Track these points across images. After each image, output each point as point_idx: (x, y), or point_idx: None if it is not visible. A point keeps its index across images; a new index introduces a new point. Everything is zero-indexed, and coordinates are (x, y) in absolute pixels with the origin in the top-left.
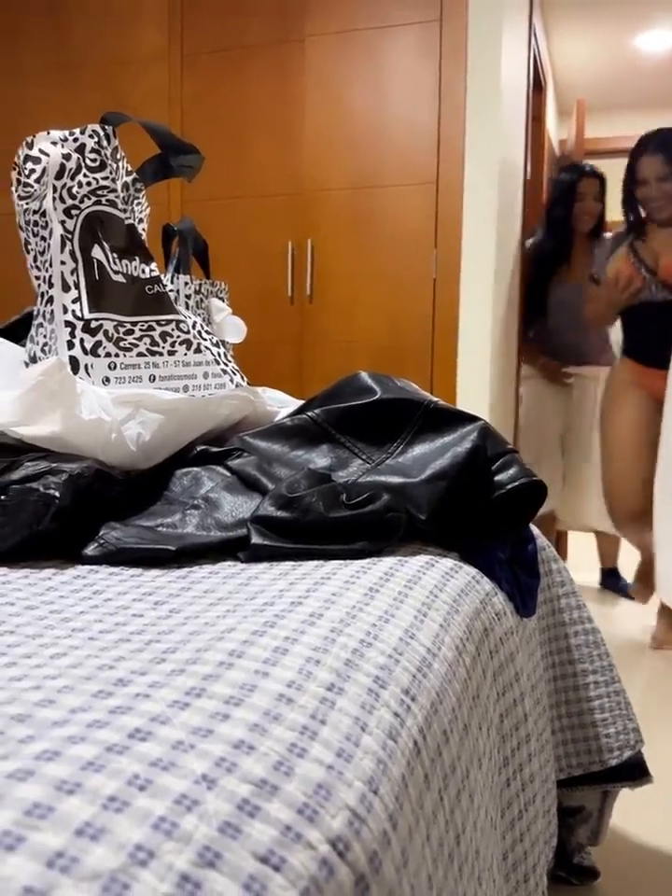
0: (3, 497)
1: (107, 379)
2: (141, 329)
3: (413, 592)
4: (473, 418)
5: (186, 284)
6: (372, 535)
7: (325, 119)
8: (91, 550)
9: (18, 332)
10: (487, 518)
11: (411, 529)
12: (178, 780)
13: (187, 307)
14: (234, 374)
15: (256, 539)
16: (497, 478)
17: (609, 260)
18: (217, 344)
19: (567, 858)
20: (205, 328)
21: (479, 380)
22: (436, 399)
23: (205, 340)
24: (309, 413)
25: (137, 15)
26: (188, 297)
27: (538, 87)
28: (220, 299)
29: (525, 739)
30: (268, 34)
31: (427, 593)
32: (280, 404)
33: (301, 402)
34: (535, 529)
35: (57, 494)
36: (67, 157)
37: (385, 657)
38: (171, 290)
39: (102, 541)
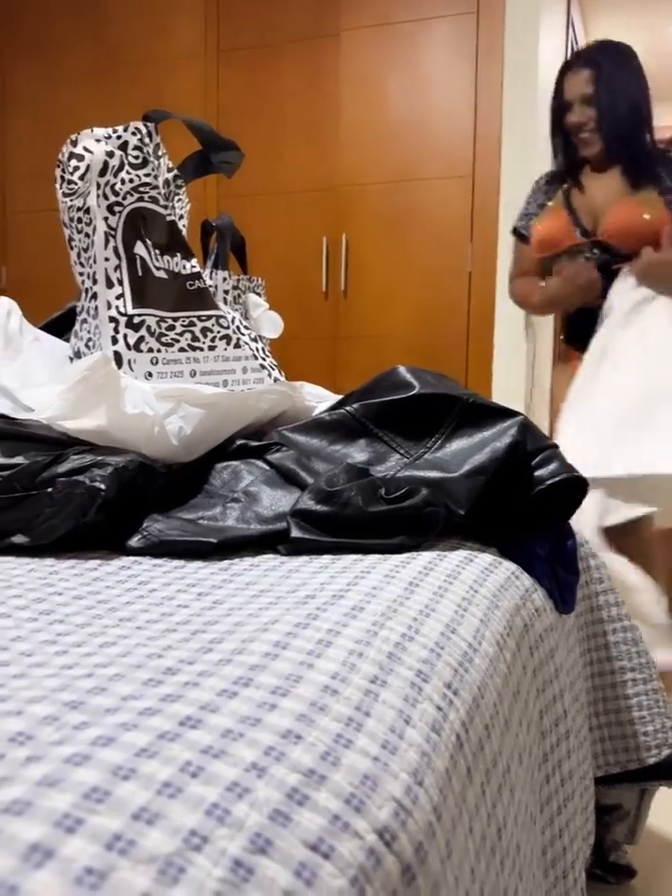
0: (50, 490)
1: (150, 374)
2: (182, 325)
3: (453, 587)
4: (513, 413)
5: (224, 279)
6: (411, 529)
7: (360, 113)
8: (135, 541)
9: (61, 327)
10: (527, 514)
11: (449, 524)
12: (229, 768)
13: (225, 302)
14: (272, 369)
15: (295, 533)
16: (536, 473)
17: (536, 213)
18: (255, 339)
19: (604, 856)
20: (244, 323)
21: (515, 375)
22: (474, 393)
23: (244, 335)
24: (347, 408)
25: (173, 12)
26: (226, 292)
27: None
28: (257, 294)
29: (565, 736)
30: (303, 28)
31: (467, 588)
32: (318, 399)
33: (339, 397)
34: (574, 525)
35: (103, 486)
36: (110, 154)
37: (427, 651)
38: (210, 286)
39: (145, 533)
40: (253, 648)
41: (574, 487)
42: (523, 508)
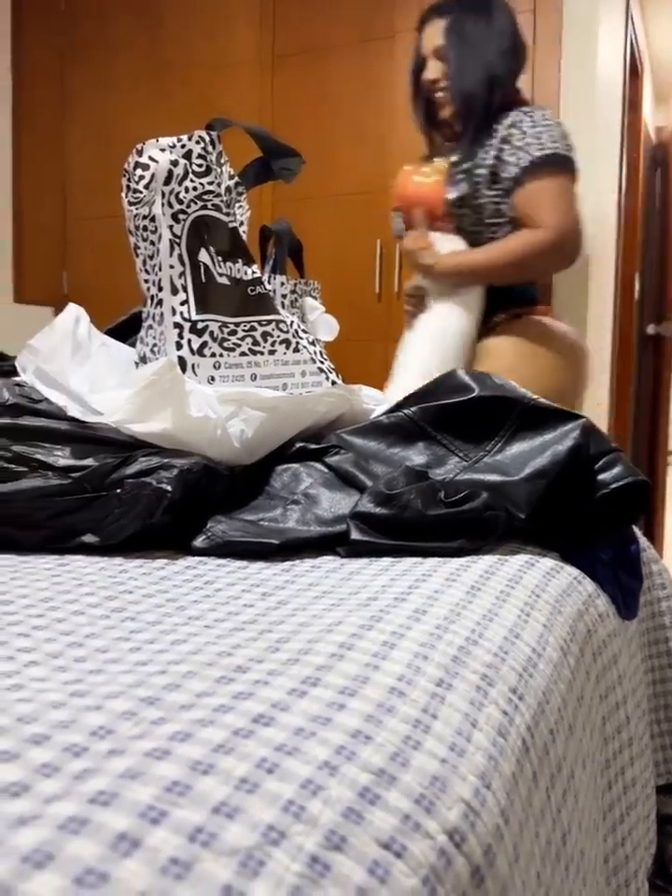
0: (119, 491)
1: (212, 378)
2: (244, 330)
3: (515, 591)
4: (574, 416)
5: (282, 284)
6: (471, 533)
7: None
8: (199, 542)
9: (125, 332)
10: (589, 518)
11: (509, 528)
12: (302, 766)
13: (283, 307)
14: (330, 372)
15: (355, 535)
16: (600, 477)
17: None
18: (312, 343)
19: (664, 866)
20: (302, 327)
21: None
22: (535, 396)
23: (302, 339)
24: (405, 411)
25: (227, 18)
26: (283, 296)
27: (634, 73)
28: (313, 297)
29: (627, 743)
30: (357, 32)
31: (529, 592)
32: (376, 402)
33: (395, 400)
34: (636, 530)
35: (169, 488)
36: (175, 163)
37: (491, 655)
38: (269, 291)
39: (209, 534)
40: (319, 648)
41: (638, 492)
42: (585, 512)
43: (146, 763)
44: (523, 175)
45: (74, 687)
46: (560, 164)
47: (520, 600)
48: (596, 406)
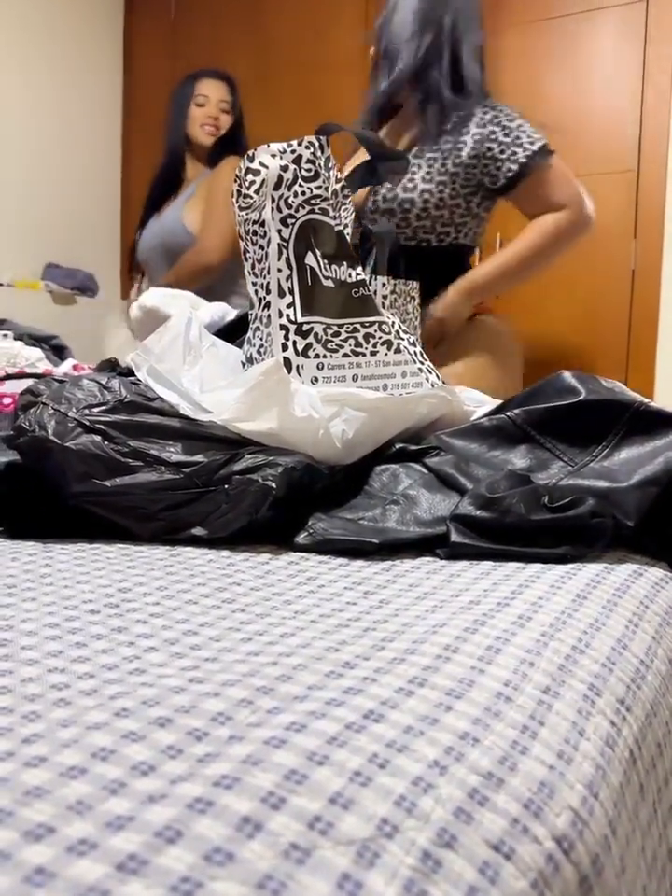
0: (226, 487)
1: (316, 379)
2: (347, 331)
3: (623, 601)
4: None
5: (383, 285)
6: (576, 540)
7: (520, 109)
8: (301, 538)
9: (232, 334)
10: None
11: (616, 536)
12: (413, 763)
13: (383, 307)
14: (430, 373)
15: (456, 538)
16: None
17: None
18: (413, 344)
19: None
20: (403, 328)
21: None
22: (646, 400)
23: (404, 340)
24: (508, 413)
25: (333, 20)
26: (384, 298)
27: None
28: (412, 298)
29: None
30: None
31: (638, 603)
32: (476, 404)
33: (499, 402)
34: None
35: (274, 485)
36: (284, 168)
37: (599, 666)
38: (371, 292)
39: (311, 531)
40: (424, 649)
41: None
42: None
43: (265, 751)
44: None
45: (191, 673)
46: None
47: (627, 610)
48: None
